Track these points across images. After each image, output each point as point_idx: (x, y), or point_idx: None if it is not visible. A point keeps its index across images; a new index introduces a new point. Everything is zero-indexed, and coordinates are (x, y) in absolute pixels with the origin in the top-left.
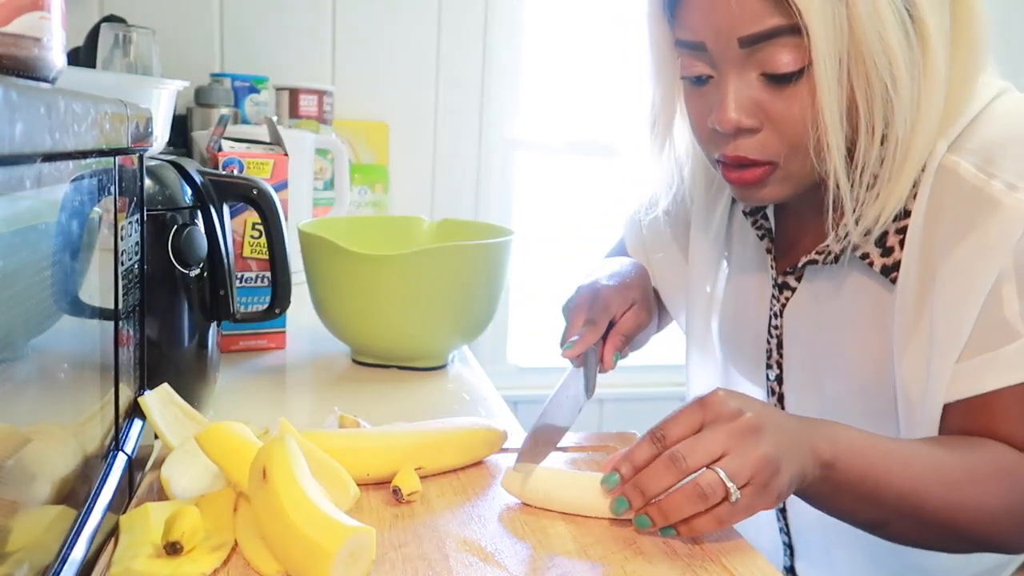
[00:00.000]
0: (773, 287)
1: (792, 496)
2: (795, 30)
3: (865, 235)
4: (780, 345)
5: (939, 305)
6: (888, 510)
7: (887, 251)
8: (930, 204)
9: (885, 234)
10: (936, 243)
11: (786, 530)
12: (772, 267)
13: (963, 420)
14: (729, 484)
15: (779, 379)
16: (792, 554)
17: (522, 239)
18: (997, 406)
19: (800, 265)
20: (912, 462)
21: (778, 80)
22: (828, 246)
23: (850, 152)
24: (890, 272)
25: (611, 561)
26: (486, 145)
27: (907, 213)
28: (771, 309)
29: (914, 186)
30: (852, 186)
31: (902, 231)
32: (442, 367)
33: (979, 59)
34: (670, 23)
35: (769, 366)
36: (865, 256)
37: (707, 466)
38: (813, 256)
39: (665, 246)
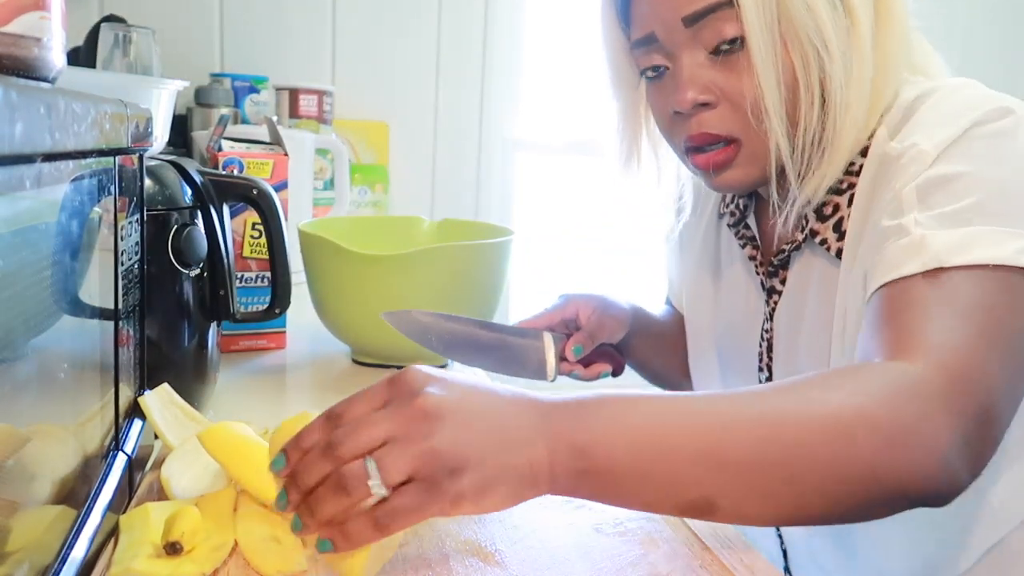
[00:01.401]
0: (763, 292)
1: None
2: (731, 3)
3: (807, 204)
4: (770, 348)
5: (857, 280)
6: (697, 478)
7: (842, 235)
8: (872, 188)
9: (841, 219)
10: (862, 218)
11: (779, 535)
12: (758, 272)
13: (872, 324)
14: (373, 479)
15: (770, 381)
16: (787, 558)
17: (522, 239)
18: (893, 302)
19: (776, 260)
20: (711, 407)
21: (723, 53)
22: (794, 233)
23: (793, 117)
24: (843, 254)
25: (611, 561)
26: (486, 145)
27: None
28: (763, 313)
29: (859, 171)
30: (794, 150)
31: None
32: (442, 367)
33: (904, 31)
34: (624, 30)
35: (760, 369)
36: (824, 242)
37: (364, 455)
38: (783, 247)
39: (678, 269)
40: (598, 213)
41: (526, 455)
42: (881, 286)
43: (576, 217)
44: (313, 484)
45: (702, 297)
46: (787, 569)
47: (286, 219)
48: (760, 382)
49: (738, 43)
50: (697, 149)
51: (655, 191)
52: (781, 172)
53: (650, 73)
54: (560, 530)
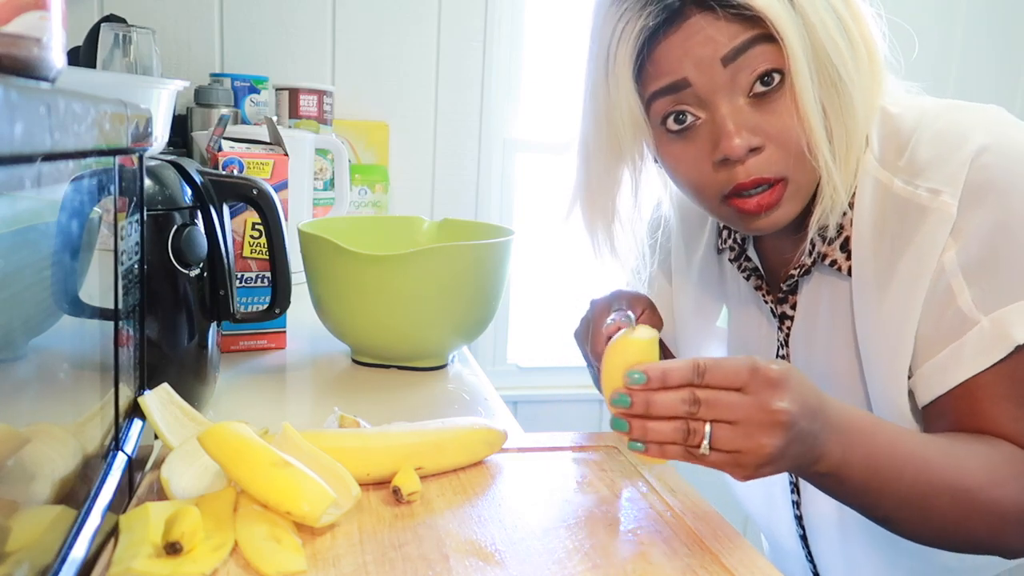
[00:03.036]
0: (775, 319)
1: (812, 525)
2: (767, 38)
3: (825, 227)
4: None
5: (890, 314)
6: (893, 508)
7: (851, 254)
8: (873, 215)
9: (847, 239)
10: (883, 254)
11: (810, 558)
12: (767, 302)
13: (951, 416)
14: (706, 441)
15: None
16: (814, 565)
17: (522, 239)
18: (975, 391)
19: (786, 286)
20: (928, 465)
21: (764, 95)
22: (803, 260)
23: (833, 145)
24: (852, 276)
25: (611, 561)
26: (486, 145)
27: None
28: (777, 340)
29: (852, 197)
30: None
31: None
32: (442, 367)
33: (881, 46)
34: (636, 83)
35: None
36: (834, 263)
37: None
38: (791, 273)
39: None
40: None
41: (803, 460)
42: (971, 376)
43: (576, 217)
44: (661, 416)
45: (709, 333)
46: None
47: (286, 219)
48: None
49: (775, 80)
50: (740, 195)
51: (644, 253)
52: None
53: (674, 126)
54: (560, 530)
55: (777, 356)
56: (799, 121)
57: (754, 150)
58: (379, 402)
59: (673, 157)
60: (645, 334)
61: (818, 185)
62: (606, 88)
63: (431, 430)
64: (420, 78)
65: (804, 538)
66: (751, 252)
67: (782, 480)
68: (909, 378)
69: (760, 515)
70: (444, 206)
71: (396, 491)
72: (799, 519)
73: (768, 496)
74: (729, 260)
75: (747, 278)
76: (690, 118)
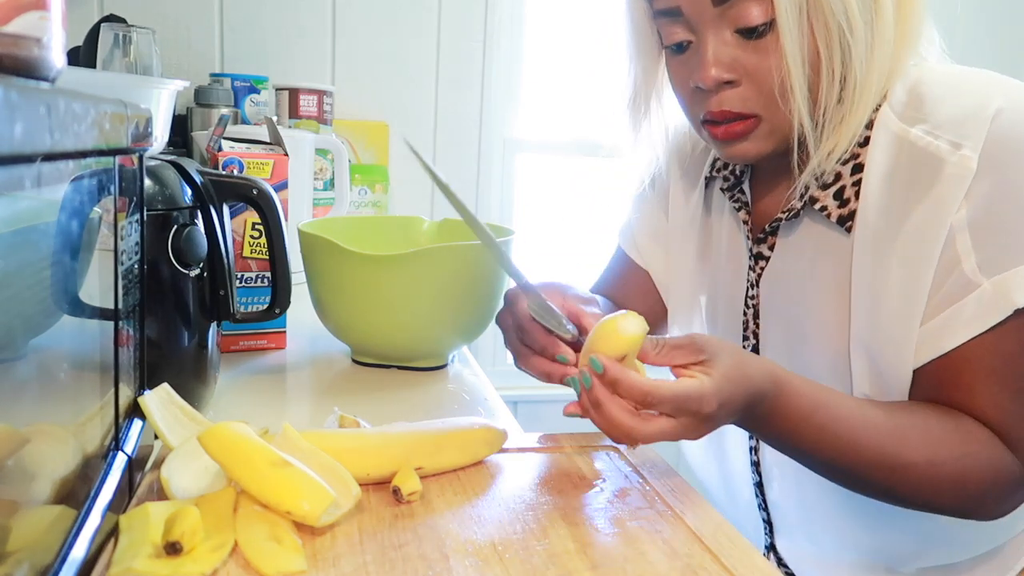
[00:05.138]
0: (749, 258)
1: (769, 472)
2: None
3: (820, 175)
4: (756, 315)
5: (897, 269)
6: (833, 476)
7: (844, 202)
8: (885, 166)
9: (842, 188)
10: (894, 206)
11: (764, 506)
12: (748, 237)
13: (934, 382)
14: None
15: (755, 350)
16: (772, 531)
17: (522, 239)
18: (965, 362)
19: (769, 227)
20: (868, 442)
21: (749, 34)
22: (791, 202)
23: (815, 95)
24: (846, 222)
25: (611, 561)
26: (486, 145)
27: (861, 168)
28: (747, 280)
29: (867, 143)
30: (815, 125)
31: (857, 184)
32: (442, 367)
33: (921, 10)
34: (649, 4)
35: (746, 337)
36: (823, 209)
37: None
38: (778, 215)
39: (653, 229)
40: (598, 213)
41: (735, 420)
42: (962, 344)
43: (576, 217)
44: (605, 411)
45: (685, 262)
46: (771, 546)
47: (286, 219)
48: (745, 348)
49: (766, 27)
50: (715, 122)
51: (658, 155)
52: (793, 145)
53: (672, 45)
54: (560, 530)
55: (747, 297)
56: (779, 64)
57: (729, 83)
58: (379, 402)
59: (671, 71)
60: (634, 328)
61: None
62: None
63: (431, 430)
64: (420, 78)
65: (760, 485)
66: (746, 187)
67: (740, 439)
68: None
69: (713, 462)
70: (444, 206)
71: (396, 491)
72: (755, 464)
73: (721, 443)
74: (720, 189)
75: (737, 209)
76: (683, 40)
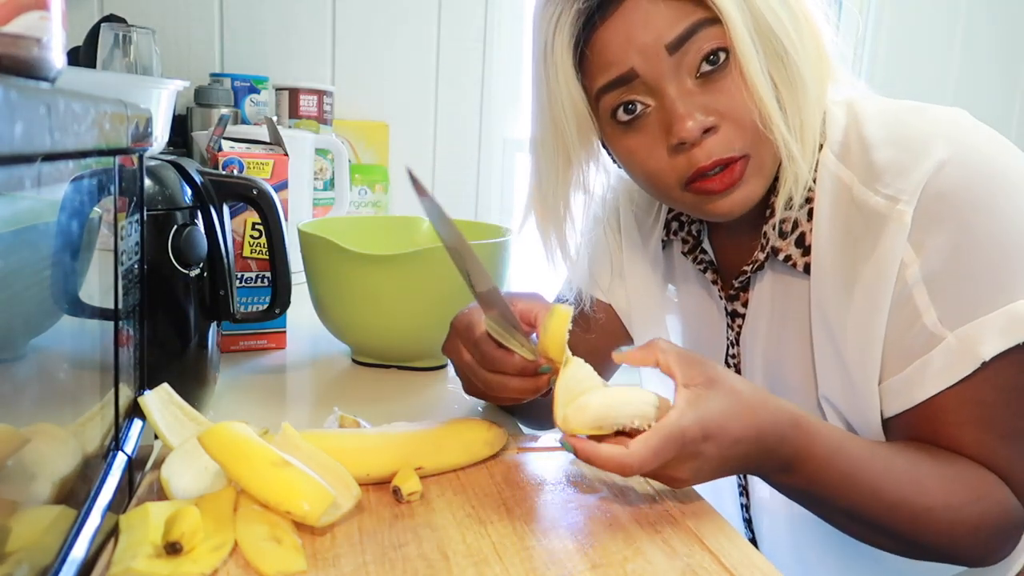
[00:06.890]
0: (726, 316)
1: (759, 519)
2: (711, 21)
3: (779, 223)
4: (738, 371)
5: (852, 319)
6: (845, 524)
7: (807, 250)
8: (831, 215)
9: (802, 234)
10: (844, 257)
11: (752, 538)
12: (720, 296)
13: (914, 431)
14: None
15: None
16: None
17: (522, 239)
18: (942, 412)
19: (738, 283)
20: (885, 484)
21: (710, 73)
22: (756, 256)
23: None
24: (811, 268)
25: (611, 561)
26: (486, 145)
27: (812, 213)
28: (727, 338)
29: (811, 192)
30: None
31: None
32: (442, 367)
33: (826, 30)
34: (580, 76)
35: None
36: (788, 258)
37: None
38: (744, 268)
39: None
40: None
41: (739, 470)
42: (937, 393)
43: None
44: (600, 465)
45: (658, 327)
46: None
47: (286, 219)
48: None
49: (720, 58)
50: (703, 176)
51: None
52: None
53: (624, 116)
54: (560, 530)
55: (727, 356)
56: (749, 96)
57: (709, 130)
58: (379, 402)
59: (627, 149)
60: (561, 310)
61: (779, 169)
62: (546, 83)
63: (431, 430)
64: (420, 78)
65: (753, 541)
66: (706, 245)
67: (730, 484)
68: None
69: None
70: (444, 206)
71: (396, 491)
72: (748, 522)
73: (716, 494)
74: (682, 253)
75: (703, 271)
76: (640, 107)
